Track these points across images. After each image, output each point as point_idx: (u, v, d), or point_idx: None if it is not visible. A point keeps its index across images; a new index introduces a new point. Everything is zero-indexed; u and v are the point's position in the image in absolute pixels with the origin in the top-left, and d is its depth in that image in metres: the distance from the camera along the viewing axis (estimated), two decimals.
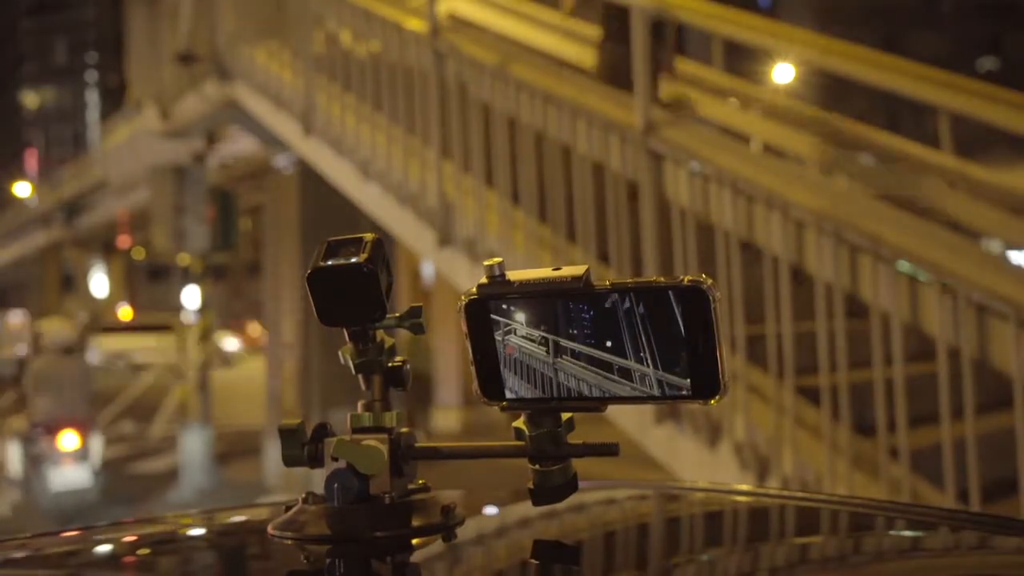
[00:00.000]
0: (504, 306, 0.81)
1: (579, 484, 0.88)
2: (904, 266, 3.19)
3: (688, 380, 0.77)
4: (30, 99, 64.27)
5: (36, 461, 8.56)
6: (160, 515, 1.14)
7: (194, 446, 9.76)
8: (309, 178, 8.43)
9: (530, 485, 0.87)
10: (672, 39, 4.24)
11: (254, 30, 7.19)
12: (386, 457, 0.86)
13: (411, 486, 0.89)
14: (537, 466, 0.86)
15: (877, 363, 3.21)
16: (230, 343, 30.70)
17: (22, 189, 33.77)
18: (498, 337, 0.82)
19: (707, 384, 0.77)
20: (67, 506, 8.51)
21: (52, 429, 8.51)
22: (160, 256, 15.03)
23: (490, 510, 1.07)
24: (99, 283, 36.73)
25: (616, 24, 4.57)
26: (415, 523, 0.86)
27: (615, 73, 4.51)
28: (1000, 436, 3.12)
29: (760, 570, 0.88)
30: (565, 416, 0.86)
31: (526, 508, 0.91)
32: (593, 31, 5.91)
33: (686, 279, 0.77)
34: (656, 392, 0.79)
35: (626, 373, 0.79)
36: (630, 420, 3.93)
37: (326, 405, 9.02)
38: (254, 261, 23.64)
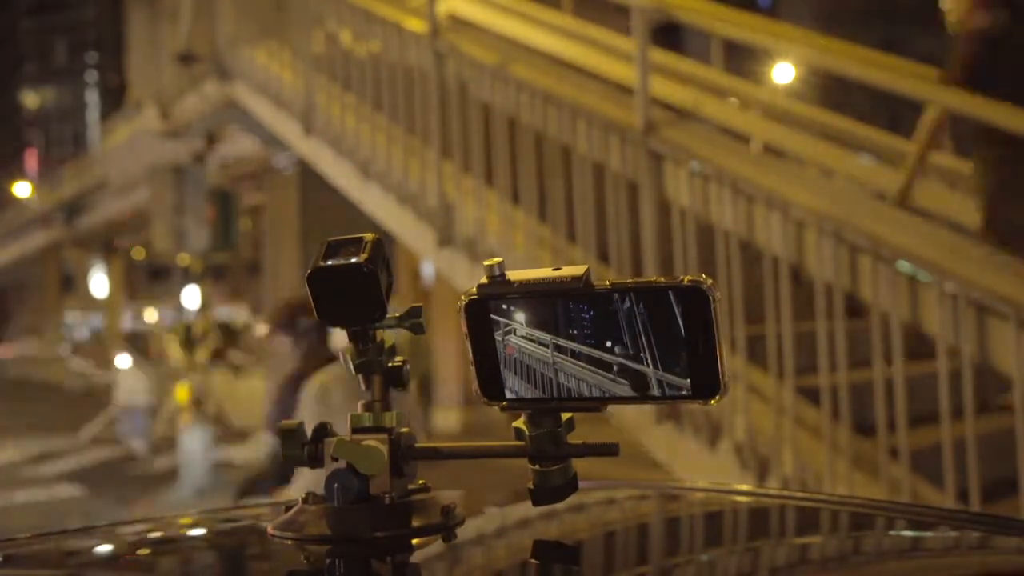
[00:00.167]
0: (504, 306, 0.81)
1: (579, 484, 0.88)
2: (904, 266, 3.19)
3: (688, 380, 0.77)
4: (30, 99, 64.26)
5: None
6: (160, 515, 1.13)
7: (194, 446, 9.76)
8: (309, 178, 8.45)
9: (530, 485, 0.87)
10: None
11: (254, 30, 7.20)
12: (386, 457, 0.86)
13: (411, 486, 0.89)
14: (537, 466, 0.86)
15: (877, 363, 3.23)
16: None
17: (22, 189, 33.77)
18: (498, 337, 0.82)
19: (707, 384, 0.77)
20: None
21: None
22: (160, 256, 15.03)
23: (490, 510, 1.07)
24: (99, 283, 36.74)
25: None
26: (415, 523, 0.86)
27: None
28: (1000, 436, 3.13)
29: (760, 570, 0.87)
30: (565, 416, 0.85)
31: (526, 508, 0.90)
32: (594, 31, 5.92)
33: (686, 279, 0.77)
34: (656, 392, 0.79)
35: (626, 373, 0.79)
36: (630, 420, 3.93)
37: None
38: (254, 261, 23.65)
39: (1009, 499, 3.11)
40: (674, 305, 0.76)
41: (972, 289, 3.00)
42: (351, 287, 0.85)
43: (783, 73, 7.32)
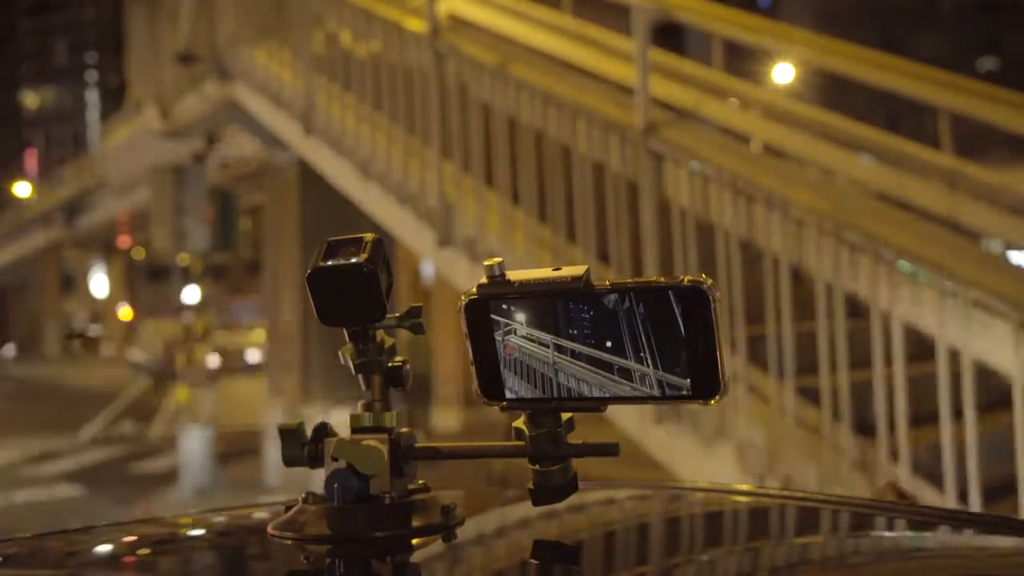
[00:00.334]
0: (504, 306, 0.81)
1: (579, 484, 0.87)
2: (904, 266, 3.20)
3: (688, 380, 0.77)
4: (30, 99, 64.28)
5: None
6: (160, 515, 1.13)
7: (194, 446, 9.78)
8: (309, 178, 8.44)
9: (530, 485, 0.87)
10: None
11: (254, 30, 7.18)
12: (386, 457, 0.86)
13: (411, 486, 0.89)
14: (537, 466, 0.86)
15: (877, 363, 3.23)
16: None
17: (22, 189, 33.78)
18: (498, 337, 0.82)
19: (707, 384, 0.77)
20: None
21: None
22: (160, 256, 15.04)
23: (490, 510, 1.07)
24: (99, 283, 36.74)
25: None
26: (415, 523, 0.86)
27: None
28: (1001, 436, 3.13)
29: (760, 570, 0.87)
30: (565, 416, 0.85)
31: (526, 508, 0.90)
32: (594, 31, 5.93)
33: (686, 279, 0.77)
34: (656, 392, 0.78)
35: (626, 373, 0.79)
36: (630, 420, 3.93)
37: (327, 404, 9.11)
38: (254, 261, 23.66)
39: (1009, 499, 3.11)
40: (674, 305, 0.76)
41: (972, 289, 3.01)
42: (351, 287, 0.85)
43: (783, 73, 7.32)
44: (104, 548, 1.02)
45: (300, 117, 6.21)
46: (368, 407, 0.89)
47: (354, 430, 0.89)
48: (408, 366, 0.92)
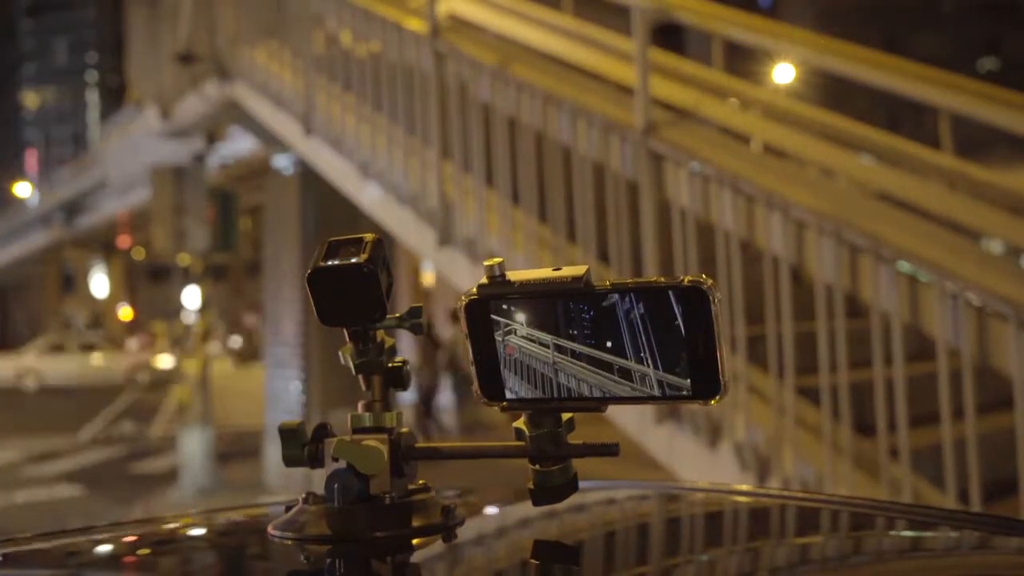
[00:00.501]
0: (504, 306, 0.81)
1: (579, 484, 0.88)
2: (904, 266, 3.19)
3: (688, 380, 0.77)
4: (30, 99, 64.30)
5: None
6: (160, 515, 1.13)
7: (194, 446, 9.78)
8: (309, 178, 8.45)
9: (530, 485, 0.87)
10: None
11: (254, 30, 7.18)
12: (386, 457, 0.86)
13: (411, 486, 0.89)
14: (537, 466, 0.86)
15: (877, 363, 3.22)
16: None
17: (22, 189, 33.76)
18: (498, 337, 0.82)
19: (707, 384, 0.77)
20: None
21: None
22: (160, 256, 15.04)
23: (490, 510, 1.07)
24: (99, 283, 36.74)
25: None
26: (415, 523, 0.86)
27: None
28: (1001, 437, 3.13)
29: (760, 570, 0.87)
30: (565, 416, 0.85)
31: (526, 508, 0.90)
32: (594, 31, 5.92)
33: (686, 279, 0.77)
34: (656, 392, 0.78)
35: (626, 373, 0.79)
36: (630, 420, 3.93)
37: (327, 405, 9.07)
38: (254, 261, 23.67)
39: (1010, 499, 3.11)
40: (674, 305, 0.76)
41: (972, 289, 3.01)
42: (351, 287, 0.85)
43: (783, 73, 7.32)
44: (105, 548, 1.02)
45: (300, 117, 6.21)
46: (368, 407, 0.89)
47: (354, 430, 0.89)
48: (408, 366, 0.92)
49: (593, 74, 5.40)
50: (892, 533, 0.97)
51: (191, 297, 11.74)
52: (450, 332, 13.57)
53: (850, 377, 3.27)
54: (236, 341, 30.20)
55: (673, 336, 0.77)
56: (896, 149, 4.91)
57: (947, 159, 4.65)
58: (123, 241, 25.65)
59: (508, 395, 0.83)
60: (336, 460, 0.86)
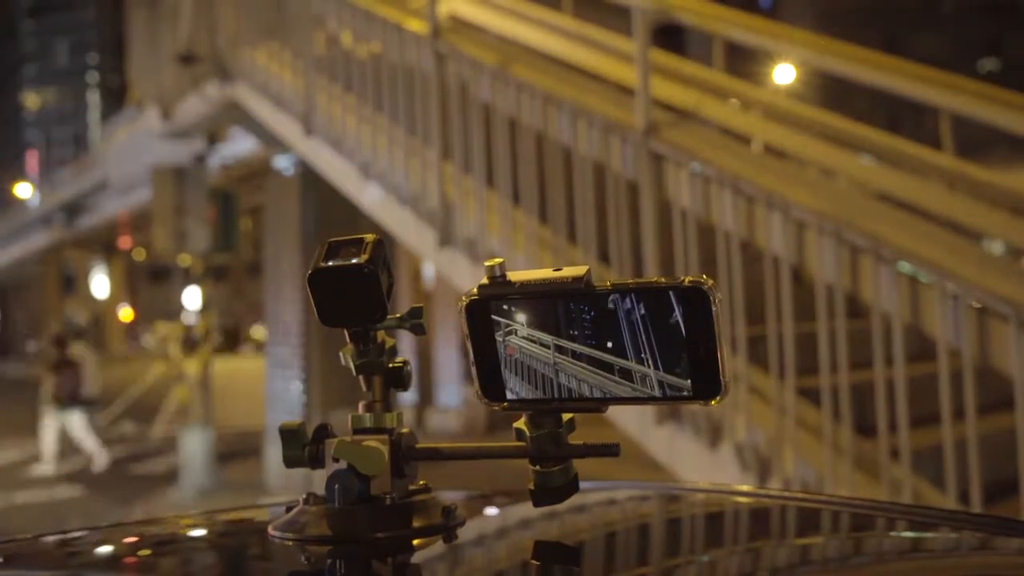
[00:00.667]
0: (505, 306, 0.81)
1: (580, 485, 0.87)
2: (905, 267, 3.20)
3: (689, 381, 0.77)
4: (31, 100, 64.32)
5: None
6: (160, 516, 1.13)
7: (194, 446, 9.79)
8: (310, 179, 8.46)
9: (531, 486, 0.87)
10: None
11: (255, 31, 7.18)
12: (387, 458, 0.86)
13: (412, 487, 0.89)
14: (538, 467, 0.86)
15: (878, 364, 3.22)
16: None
17: (23, 190, 33.76)
18: (499, 338, 0.82)
19: (708, 385, 0.77)
20: None
21: None
22: (161, 257, 15.04)
23: (491, 511, 1.07)
24: (100, 284, 36.74)
25: None
26: (416, 524, 0.86)
27: None
28: (1002, 437, 3.13)
29: (761, 571, 0.87)
30: (566, 417, 0.85)
31: (527, 509, 0.90)
32: (595, 32, 5.93)
33: (687, 280, 0.77)
34: (657, 393, 0.78)
35: (627, 374, 0.79)
36: (631, 421, 3.93)
37: (327, 405, 9.07)
38: (255, 262, 23.65)
39: (1010, 500, 3.11)
40: (675, 306, 0.76)
41: (973, 289, 3.00)
42: (352, 288, 0.84)
43: (784, 74, 7.33)
44: (106, 548, 1.02)
45: (301, 118, 6.21)
46: (369, 408, 0.89)
47: (355, 431, 0.88)
48: (409, 367, 0.91)
49: (594, 75, 5.41)
50: (893, 534, 0.96)
51: (191, 298, 11.73)
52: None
53: (851, 378, 3.27)
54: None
55: (674, 336, 0.77)
56: (896, 149, 4.92)
57: (947, 159, 4.66)
58: (124, 242, 25.65)
59: (509, 395, 0.83)
60: (337, 461, 0.86)
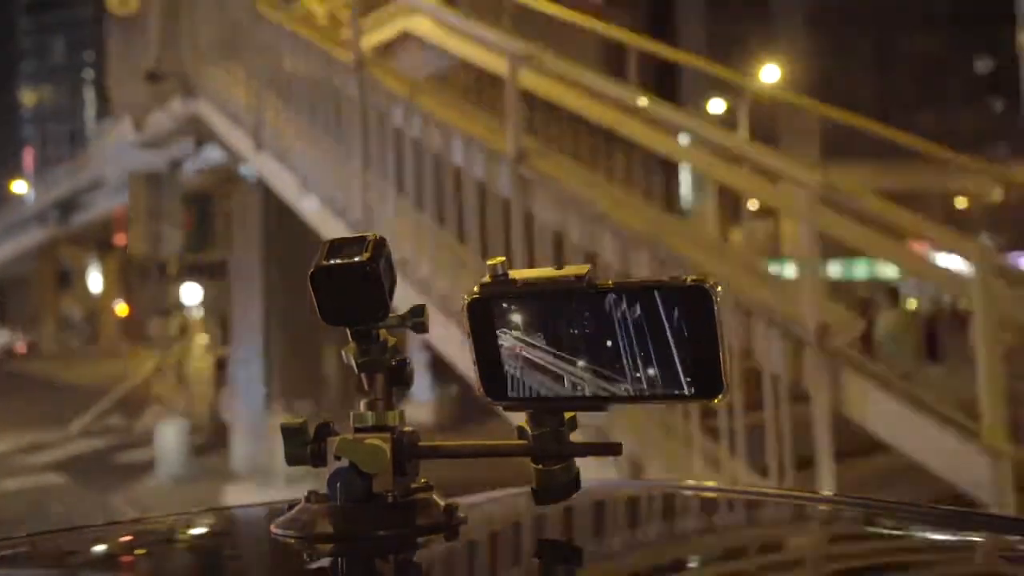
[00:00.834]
0: (506, 305, 0.76)
1: (581, 483, 0.79)
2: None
3: (690, 379, 0.72)
4: (28, 97, 64.37)
5: None
6: (162, 515, 1.05)
7: (169, 438, 9.72)
8: (270, 187, 9.03)
9: (533, 484, 0.79)
10: None
11: (215, 52, 7.22)
12: (389, 456, 0.80)
13: (414, 485, 0.81)
14: (540, 465, 0.79)
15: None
16: None
17: (19, 187, 34.05)
18: (500, 336, 0.76)
19: (709, 383, 0.72)
20: None
21: None
22: (137, 258, 15.32)
23: (493, 509, 0.99)
24: (95, 280, 37.02)
25: None
26: (418, 522, 0.79)
27: None
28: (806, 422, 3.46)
29: (762, 568, 0.81)
30: (568, 415, 0.79)
31: (529, 507, 0.82)
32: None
33: (689, 279, 0.72)
34: (658, 392, 0.73)
35: (628, 372, 0.73)
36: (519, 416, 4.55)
37: (288, 396, 9.20)
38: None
39: (807, 471, 3.44)
40: (677, 305, 0.72)
41: (744, 299, 3.47)
42: (354, 286, 0.79)
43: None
44: (106, 547, 0.93)
45: (252, 133, 6.37)
46: (371, 406, 0.82)
47: (357, 429, 0.81)
48: (411, 365, 0.83)
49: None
50: (892, 533, 0.91)
51: (190, 294, 12.20)
52: None
53: None
54: None
55: (675, 335, 0.72)
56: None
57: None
58: (119, 238, 25.84)
59: (510, 393, 0.77)
60: (338, 459, 0.80)
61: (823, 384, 3.28)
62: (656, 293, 0.72)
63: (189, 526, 1.02)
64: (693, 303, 0.72)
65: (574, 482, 0.80)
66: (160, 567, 0.89)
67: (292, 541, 0.79)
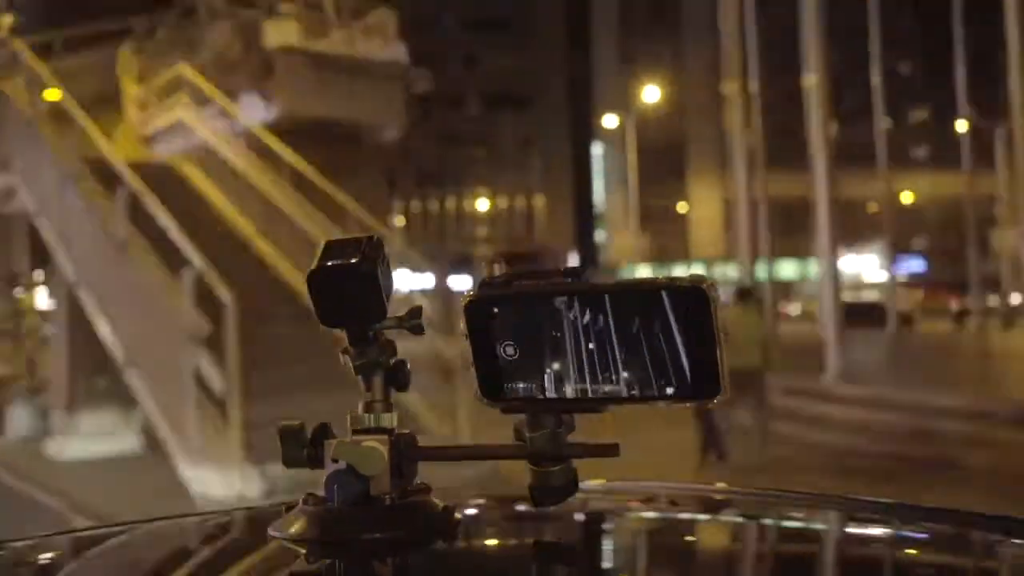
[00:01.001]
0: (505, 306, 0.75)
1: (579, 485, 0.78)
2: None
3: (688, 380, 0.72)
4: None
5: None
6: (160, 517, 1.05)
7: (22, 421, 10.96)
8: None
9: (530, 486, 0.79)
10: None
11: None
12: (386, 458, 0.79)
13: (411, 487, 0.81)
14: (537, 467, 0.78)
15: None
16: None
17: None
18: (498, 337, 0.76)
19: (708, 384, 0.72)
20: None
21: None
22: None
23: (490, 511, 0.99)
24: None
25: None
26: (415, 524, 0.79)
27: None
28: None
29: (759, 568, 0.82)
30: (565, 417, 0.78)
31: (526, 509, 0.82)
32: None
33: (686, 279, 0.71)
34: (656, 392, 0.73)
35: (626, 373, 0.73)
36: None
37: (77, 372, 10.07)
38: None
39: None
40: (674, 305, 0.71)
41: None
42: (351, 288, 0.79)
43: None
44: (105, 549, 0.94)
45: None
46: (368, 408, 0.82)
47: (355, 431, 0.81)
48: (408, 367, 0.82)
49: None
50: (892, 533, 0.91)
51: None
52: None
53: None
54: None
55: (672, 336, 0.71)
56: None
57: None
58: None
59: (508, 395, 0.77)
60: (336, 461, 0.79)
61: None
62: (653, 294, 0.72)
63: (187, 528, 1.02)
64: (691, 303, 0.71)
65: (572, 484, 0.80)
66: (158, 569, 0.89)
67: (289, 544, 0.78)
